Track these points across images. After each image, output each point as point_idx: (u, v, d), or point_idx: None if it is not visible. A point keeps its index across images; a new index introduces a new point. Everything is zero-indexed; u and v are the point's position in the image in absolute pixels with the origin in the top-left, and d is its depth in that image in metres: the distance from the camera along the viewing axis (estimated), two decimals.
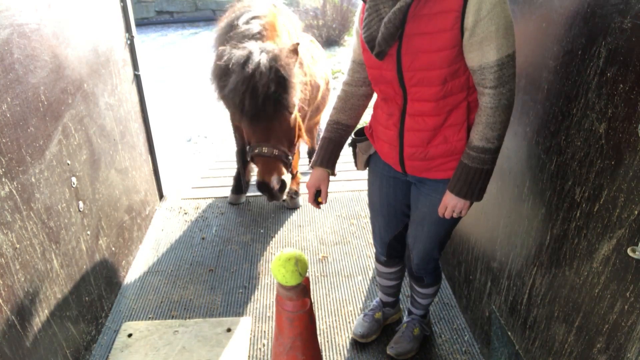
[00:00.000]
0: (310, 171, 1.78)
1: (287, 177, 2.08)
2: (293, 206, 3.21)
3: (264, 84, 1.95)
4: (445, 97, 1.41)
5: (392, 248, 1.91)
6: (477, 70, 1.34)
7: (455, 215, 1.53)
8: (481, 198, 1.49)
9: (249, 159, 2.17)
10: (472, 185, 1.44)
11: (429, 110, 1.44)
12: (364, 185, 3.48)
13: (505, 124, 1.38)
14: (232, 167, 4.21)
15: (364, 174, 4.08)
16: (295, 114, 2.16)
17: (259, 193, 3.44)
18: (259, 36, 2.25)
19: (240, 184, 2.96)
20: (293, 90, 2.04)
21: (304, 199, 3.29)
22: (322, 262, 2.66)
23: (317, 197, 1.74)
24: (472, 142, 1.42)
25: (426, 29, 1.32)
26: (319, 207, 1.77)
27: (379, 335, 2.13)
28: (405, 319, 2.11)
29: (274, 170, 2.03)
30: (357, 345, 2.10)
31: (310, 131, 4.01)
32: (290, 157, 2.13)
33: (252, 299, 2.40)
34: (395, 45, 1.38)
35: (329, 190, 3.59)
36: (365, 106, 1.70)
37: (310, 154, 4.17)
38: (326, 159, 1.70)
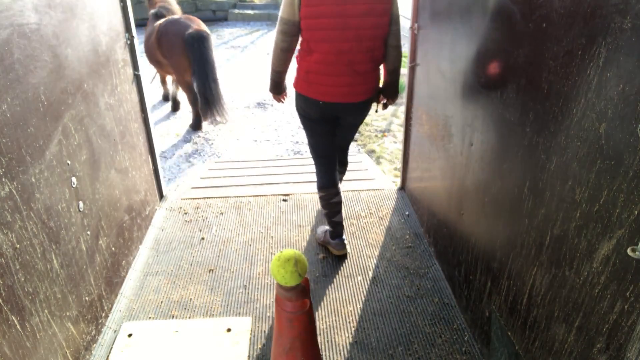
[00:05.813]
0: None
1: None
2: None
3: None
4: None
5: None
6: None
7: None
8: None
9: None
10: None
11: None
12: (364, 185, 3.49)
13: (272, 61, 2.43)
14: (232, 167, 4.22)
15: (364, 174, 4.03)
16: None
17: (259, 193, 3.45)
18: None
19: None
20: None
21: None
22: (322, 262, 2.66)
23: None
24: None
25: None
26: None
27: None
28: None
29: None
30: (357, 345, 2.10)
31: None
32: None
33: (252, 299, 2.40)
34: None
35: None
36: None
37: None
38: None
